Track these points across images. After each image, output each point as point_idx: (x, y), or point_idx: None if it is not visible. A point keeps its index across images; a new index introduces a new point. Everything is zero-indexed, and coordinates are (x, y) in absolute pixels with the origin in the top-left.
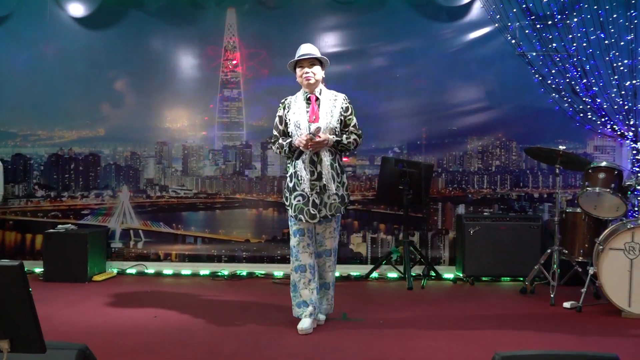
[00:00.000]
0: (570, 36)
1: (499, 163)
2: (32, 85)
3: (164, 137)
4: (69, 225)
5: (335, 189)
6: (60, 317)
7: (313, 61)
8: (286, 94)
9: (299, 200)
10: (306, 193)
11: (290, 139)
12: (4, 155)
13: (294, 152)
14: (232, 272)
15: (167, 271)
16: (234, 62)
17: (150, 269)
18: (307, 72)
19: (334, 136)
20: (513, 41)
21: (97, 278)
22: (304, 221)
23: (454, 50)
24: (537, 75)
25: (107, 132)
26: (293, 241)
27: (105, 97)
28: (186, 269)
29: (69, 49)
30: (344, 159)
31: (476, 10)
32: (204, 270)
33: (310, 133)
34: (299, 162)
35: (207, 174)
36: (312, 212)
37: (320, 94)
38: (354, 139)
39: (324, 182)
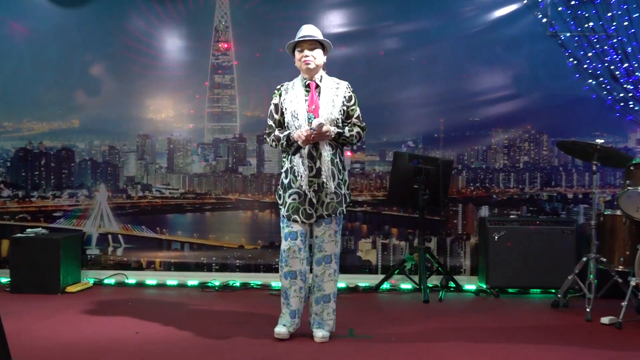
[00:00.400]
0: (609, 14)
1: (527, 159)
2: None
3: (147, 130)
4: (39, 229)
5: (336, 187)
6: (29, 332)
7: (314, 44)
8: (285, 80)
9: (294, 199)
10: (303, 190)
11: (288, 132)
12: None
13: (291, 146)
14: (224, 282)
15: (151, 281)
16: (226, 44)
17: (131, 278)
18: (306, 56)
19: (336, 128)
20: (544, 20)
21: (71, 289)
22: (299, 222)
23: (476, 30)
24: (571, 59)
25: (82, 123)
26: (283, 244)
27: (80, 84)
28: (172, 279)
29: (39, 30)
30: (348, 154)
31: None
32: (192, 280)
33: (311, 128)
34: (296, 157)
35: (196, 171)
36: (309, 211)
37: (320, 80)
38: (357, 132)
39: (323, 179)
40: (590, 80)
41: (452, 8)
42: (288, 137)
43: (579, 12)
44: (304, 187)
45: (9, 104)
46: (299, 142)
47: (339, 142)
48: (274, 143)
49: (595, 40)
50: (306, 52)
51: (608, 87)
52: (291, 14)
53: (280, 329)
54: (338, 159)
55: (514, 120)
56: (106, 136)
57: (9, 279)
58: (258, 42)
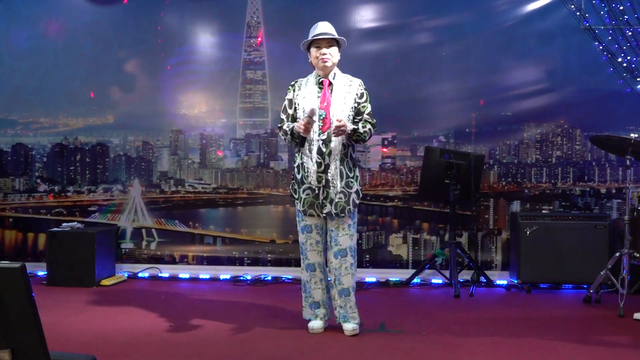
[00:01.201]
0: None
1: (560, 153)
2: (33, 68)
3: (180, 125)
4: (75, 223)
5: (343, 187)
6: (65, 325)
7: (331, 42)
8: None
9: (307, 194)
10: (314, 186)
11: (293, 124)
12: (3, 145)
13: (296, 139)
14: (255, 276)
15: (183, 275)
16: (258, 40)
17: (165, 272)
18: (324, 54)
19: (352, 124)
20: (578, 13)
21: (105, 282)
22: (315, 215)
23: (509, 24)
24: (605, 53)
25: (117, 119)
26: (301, 238)
27: (114, 81)
28: (204, 273)
29: (74, 27)
30: (384, 150)
31: None
32: (225, 274)
33: (306, 116)
34: (306, 152)
35: (228, 166)
36: (323, 205)
37: (334, 78)
38: (369, 129)
39: (332, 177)
40: (624, 74)
41: (484, 2)
42: (292, 130)
43: (613, 5)
44: (313, 183)
45: (45, 100)
46: (300, 133)
47: (352, 139)
48: (283, 137)
49: (629, 34)
50: (324, 49)
51: None
52: (322, 9)
53: (314, 324)
54: (349, 158)
55: (546, 115)
56: (140, 132)
57: (46, 273)
58: (289, 37)
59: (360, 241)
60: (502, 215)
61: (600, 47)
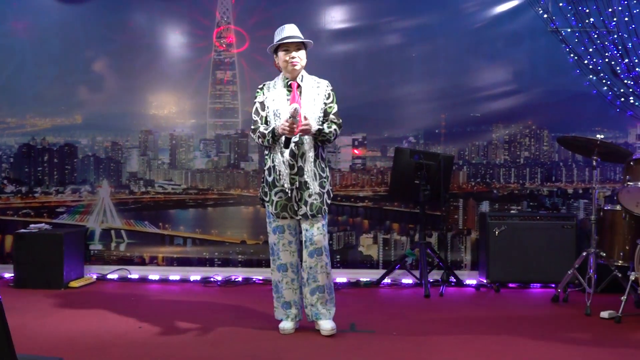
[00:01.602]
0: (610, 10)
1: (528, 154)
2: (0, 67)
3: (149, 125)
4: (43, 224)
5: (319, 186)
6: (33, 327)
7: (299, 45)
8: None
9: (280, 197)
10: (287, 189)
11: (273, 127)
12: None
13: (277, 141)
14: (226, 277)
15: (153, 276)
16: (228, 39)
17: (134, 273)
18: (293, 57)
19: (316, 125)
20: (545, 16)
21: (74, 284)
22: (288, 218)
23: (478, 26)
24: (572, 55)
25: (85, 119)
26: (272, 239)
27: (82, 80)
28: (174, 274)
29: (41, 26)
30: (355, 152)
31: None
32: (195, 275)
33: (290, 117)
34: (278, 156)
35: (198, 166)
36: (296, 208)
37: (302, 80)
38: (335, 129)
39: (305, 179)
40: (590, 76)
41: (453, 4)
42: (273, 132)
43: (580, 8)
44: (285, 185)
45: (12, 100)
46: (285, 134)
47: (318, 140)
48: (260, 140)
49: (595, 36)
50: (293, 53)
51: (608, 82)
52: (292, 9)
53: (285, 325)
54: (320, 158)
55: (514, 116)
56: (109, 132)
57: (13, 274)
58: (260, 38)
59: (331, 242)
60: (472, 216)
61: (567, 50)
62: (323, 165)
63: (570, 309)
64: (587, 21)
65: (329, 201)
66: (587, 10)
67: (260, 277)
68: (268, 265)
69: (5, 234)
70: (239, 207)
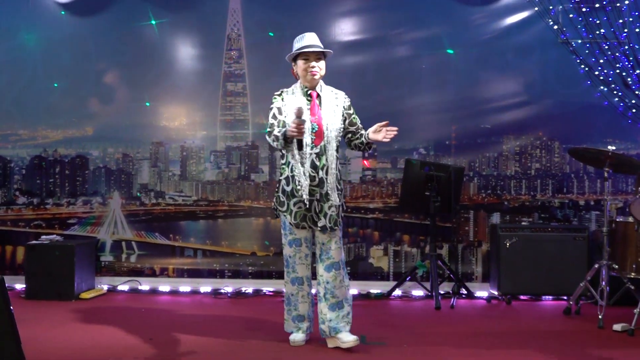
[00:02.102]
0: (620, 21)
1: (539, 166)
2: (12, 80)
3: (160, 137)
4: (54, 236)
5: (338, 200)
6: (44, 339)
7: (319, 54)
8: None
9: (299, 207)
10: (306, 199)
11: (285, 129)
12: None
13: (289, 144)
14: (236, 288)
15: (164, 288)
16: (238, 52)
17: (145, 285)
18: (313, 67)
19: (364, 133)
20: (555, 27)
21: (85, 295)
22: (307, 228)
23: (488, 37)
24: (582, 66)
25: (96, 131)
26: (288, 251)
27: (94, 92)
28: (185, 286)
29: (54, 39)
30: (365, 163)
31: None
32: (205, 286)
33: (295, 117)
34: (298, 166)
35: (209, 178)
36: (315, 219)
37: (321, 90)
38: None
39: (327, 191)
40: (601, 87)
41: (463, 15)
42: (285, 135)
43: (590, 19)
44: (304, 196)
45: (24, 112)
46: (293, 136)
47: (363, 148)
48: (274, 142)
49: (606, 47)
50: (313, 62)
51: (620, 94)
52: (302, 21)
53: (296, 337)
54: (337, 170)
55: (525, 127)
56: (120, 144)
57: (25, 286)
58: (270, 50)
59: None
60: (482, 227)
61: (578, 61)
62: (339, 178)
63: (583, 321)
64: (597, 32)
65: (342, 214)
66: (598, 22)
67: (271, 289)
68: (278, 277)
69: (17, 245)
70: (249, 219)
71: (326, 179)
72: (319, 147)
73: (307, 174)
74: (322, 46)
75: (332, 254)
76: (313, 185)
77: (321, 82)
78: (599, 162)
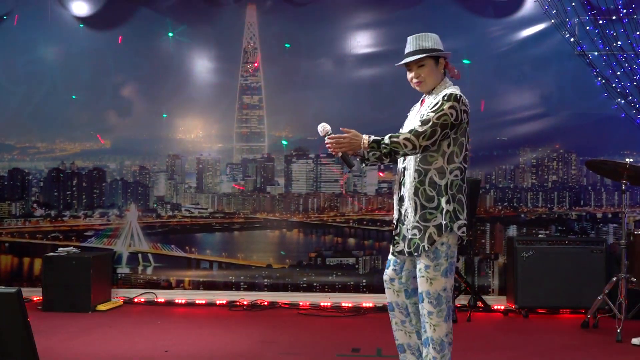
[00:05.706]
0: (638, 33)
1: (556, 178)
2: (31, 93)
3: (177, 150)
4: (71, 248)
5: (418, 220)
6: (61, 350)
7: (420, 60)
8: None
9: (393, 227)
10: (394, 219)
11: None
12: (0, 169)
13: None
14: (252, 301)
15: (180, 300)
16: (255, 65)
17: (161, 297)
18: (411, 79)
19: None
20: (572, 39)
21: (101, 307)
22: (391, 252)
23: (504, 50)
24: (599, 78)
25: (114, 144)
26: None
27: (111, 105)
28: (201, 298)
29: (72, 52)
30: (380, 174)
31: (529, 4)
32: (221, 299)
33: (323, 136)
34: (395, 184)
35: (225, 190)
36: (396, 242)
37: (429, 96)
38: (397, 141)
39: (406, 209)
40: (618, 99)
41: (479, 28)
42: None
43: (607, 31)
44: (395, 216)
45: (43, 125)
46: (334, 154)
47: (369, 160)
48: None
49: (623, 59)
50: (414, 72)
51: (637, 105)
52: (318, 34)
53: None
54: (427, 185)
55: (542, 140)
56: (137, 156)
57: (42, 297)
58: (286, 63)
59: (357, 266)
60: (499, 240)
61: (595, 73)
62: (431, 193)
63: (601, 335)
64: (614, 44)
65: (436, 237)
66: (615, 34)
67: (287, 302)
68: (294, 290)
69: (34, 257)
70: (265, 231)
71: (405, 195)
72: (405, 161)
73: (396, 192)
74: (416, 55)
75: (418, 282)
76: (398, 203)
77: (446, 80)
78: (617, 174)
